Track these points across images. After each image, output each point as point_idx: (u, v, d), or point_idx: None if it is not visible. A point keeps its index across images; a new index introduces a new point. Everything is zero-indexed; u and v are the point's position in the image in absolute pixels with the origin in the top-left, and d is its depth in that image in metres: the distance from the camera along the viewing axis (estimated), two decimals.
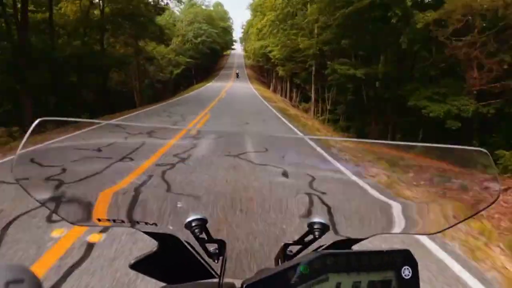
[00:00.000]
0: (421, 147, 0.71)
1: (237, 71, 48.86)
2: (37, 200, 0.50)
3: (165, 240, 0.55)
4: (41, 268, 2.02)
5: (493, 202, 0.50)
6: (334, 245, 0.59)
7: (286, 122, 11.60)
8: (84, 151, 0.74)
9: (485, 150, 0.54)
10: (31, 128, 0.49)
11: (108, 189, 0.71)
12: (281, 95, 35.21)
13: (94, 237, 2.40)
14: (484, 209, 0.50)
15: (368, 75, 15.57)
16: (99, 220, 0.55)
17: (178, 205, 0.70)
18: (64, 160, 0.72)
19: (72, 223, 0.52)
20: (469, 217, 0.52)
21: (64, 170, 0.62)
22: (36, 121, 0.49)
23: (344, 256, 0.44)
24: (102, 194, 0.62)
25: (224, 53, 77.06)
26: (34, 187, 0.51)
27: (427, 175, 0.65)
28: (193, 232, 0.53)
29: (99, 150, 0.91)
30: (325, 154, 5.53)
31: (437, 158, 0.64)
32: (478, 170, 0.58)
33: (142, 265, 0.56)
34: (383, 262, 0.44)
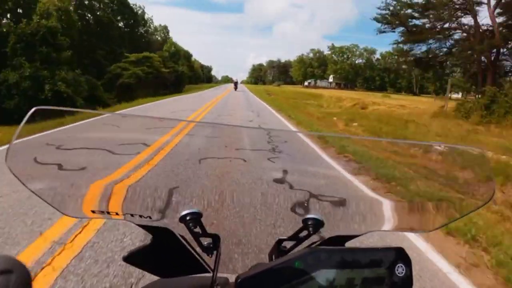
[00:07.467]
0: (418, 145, 0.71)
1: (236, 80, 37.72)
2: (30, 190, 0.49)
3: (159, 233, 0.55)
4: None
5: (488, 201, 0.50)
6: (328, 241, 0.59)
7: None
8: (78, 142, 0.73)
9: (481, 150, 0.54)
10: (26, 117, 0.47)
11: (101, 181, 0.70)
12: None
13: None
14: (478, 207, 0.50)
15: None
16: (93, 212, 0.54)
17: (173, 199, 0.70)
18: (58, 151, 0.71)
19: (65, 214, 0.52)
20: (463, 216, 0.52)
21: (57, 161, 0.61)
22: (32, 110, 0.48)
23: (338, 253, 0.44)
24: (96, 186, 0.61)
25: None
26: (28, 176, 0.51)
27: (423, 173, 0.65)
28: (187, 226, 0.53)
29: (93, 141, 0.90)
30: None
31: (434, 157, 0.64)
32: (473, 169, 0.58)
33: (136, 258, 0.56)
34: (377, 259, 0.44)
